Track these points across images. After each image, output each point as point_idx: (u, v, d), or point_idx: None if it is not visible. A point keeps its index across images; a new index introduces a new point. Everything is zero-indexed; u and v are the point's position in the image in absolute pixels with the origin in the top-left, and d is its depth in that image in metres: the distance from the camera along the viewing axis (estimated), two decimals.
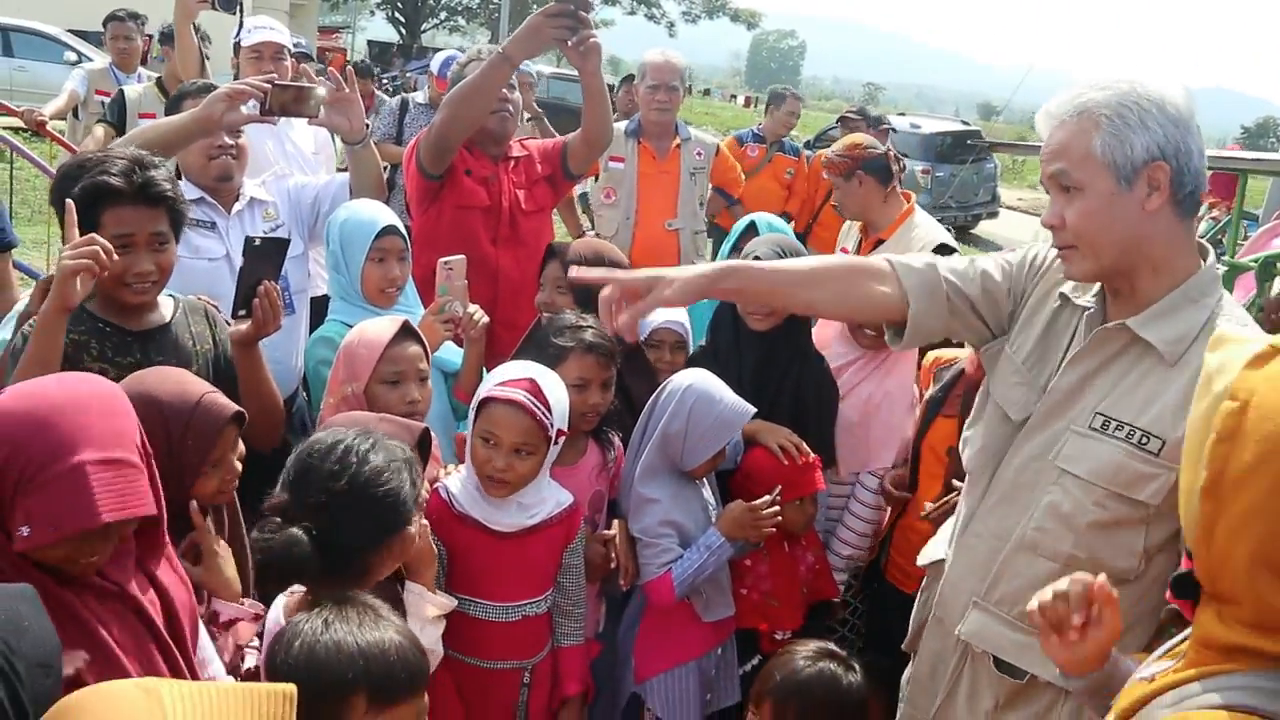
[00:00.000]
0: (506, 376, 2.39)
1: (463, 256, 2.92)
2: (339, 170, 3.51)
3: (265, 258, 2.49)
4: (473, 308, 2.91)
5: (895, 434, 3.23)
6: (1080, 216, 1.83)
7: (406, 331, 2.59)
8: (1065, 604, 1.49)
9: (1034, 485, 1.97)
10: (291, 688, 1.12)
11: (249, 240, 2.48)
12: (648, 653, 2.75)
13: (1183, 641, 1.34)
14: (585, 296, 2.91)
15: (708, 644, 2.79)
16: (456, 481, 2.45)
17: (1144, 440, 1.83)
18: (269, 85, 2.87)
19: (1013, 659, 2.00)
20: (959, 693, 2.11)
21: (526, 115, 5.95)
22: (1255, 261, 5.30)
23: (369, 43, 38.41)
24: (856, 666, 2.26)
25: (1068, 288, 2.04)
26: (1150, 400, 1.85)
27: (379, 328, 2.58)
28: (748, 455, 2.92)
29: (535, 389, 2.34)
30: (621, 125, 4.89)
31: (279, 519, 1.78)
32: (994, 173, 17.72)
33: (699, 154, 4.90)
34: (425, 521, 2.11)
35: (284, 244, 2.53)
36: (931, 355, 3.12)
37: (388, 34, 41.95)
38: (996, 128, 35.51)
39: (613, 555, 2.72)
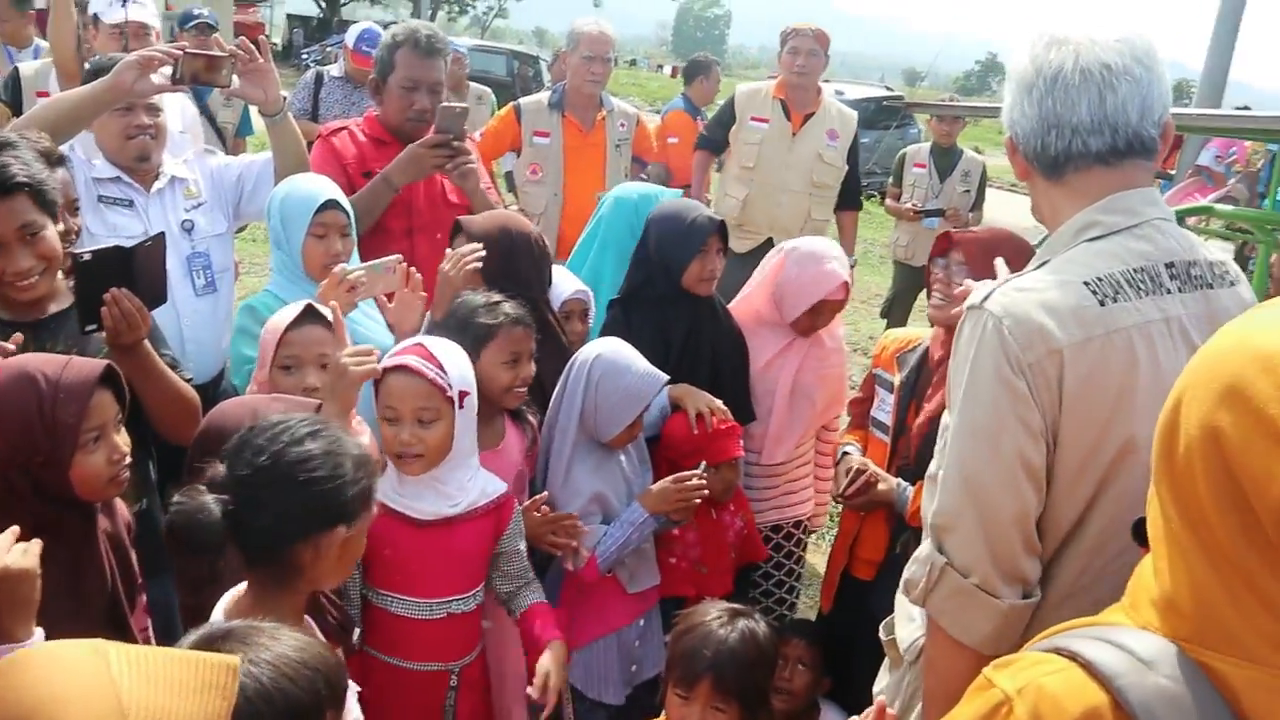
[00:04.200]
0: (395, 349, 2.37)
1: (398, 257, 2.84)
2: (205, 149, 3.43)
3: (101, 272, 2.19)
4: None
5: (840, 384, 3.33)
6: None
7: (309, 314, 2.43)
8: None
9: None
10: (235, 660, 1.13)
11: (75, 257, 2.21)
12: (567, 628, 2.68)
13: None
14: (495, 273, 2.85)
15: (629, 615, 2.79)
16: None
17: None
18: (180, 52, 2.81)
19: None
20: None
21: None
22: None
23: (289, 17, 37.60)
24: (757, 614, 2.35)
25: None
26: None
27: (284, 313, 2.45)
28: (667, 422, 2.94)
29: (425, 352, 2.29)
30: (544, 97, 4.88)
31: (204, 487, 1.67)
32: (918, 137, 17.93)
33: (622, 125, 4.90)
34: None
35: (124, 252, 2.25)
36: (891, 338, 3.07)
37: (308, 8, 41.05)
38: (921, 93, 35.89)
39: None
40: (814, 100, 5.31)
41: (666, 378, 2.74)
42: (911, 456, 2.71)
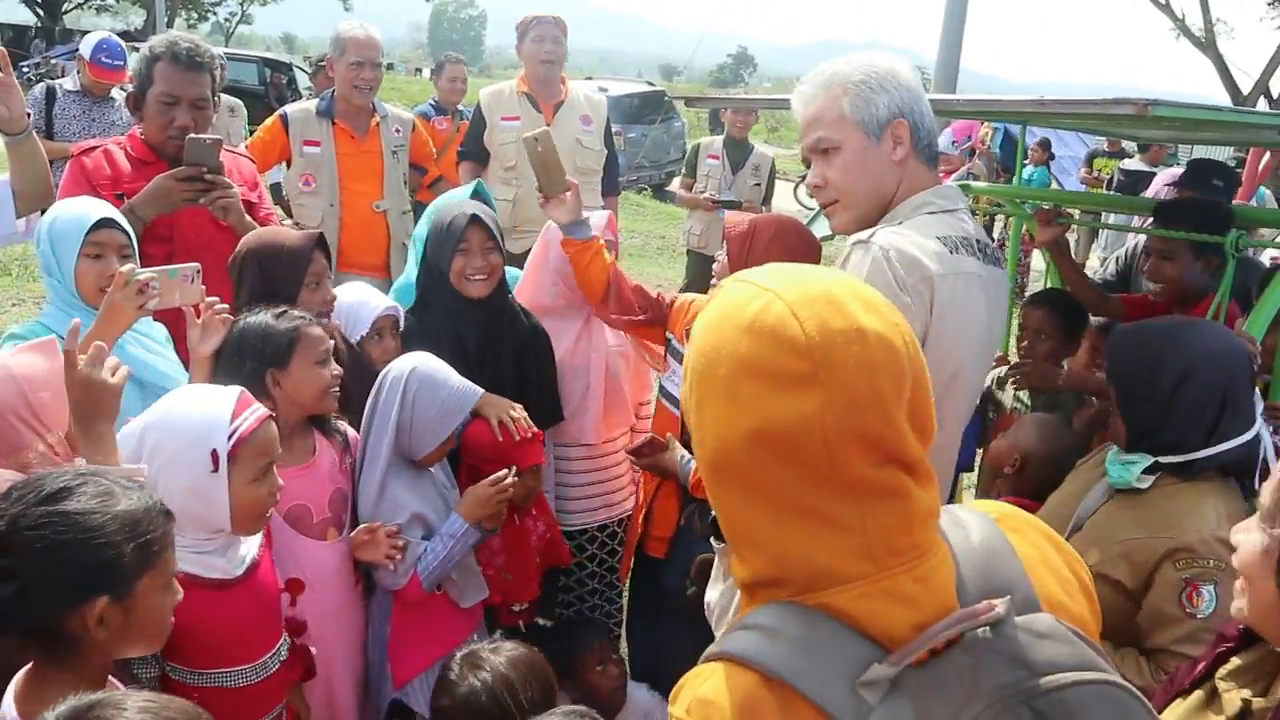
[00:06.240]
0: (232, 403, 2.09)
1: (196, 266, 2.56)
2: None
3: None
4: (215, 300, 2.55)
5: (637, 361, 3.36)
6: (839, 172, 2.06)
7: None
8: None
9: None
10: None
11: None
12: (403, 654, 2.62)
13: None
14: (257, 294, 2.68)
15: (464, 631, 2.71)
16: None
17: None
18: None
19: None
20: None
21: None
22: None
23: (0, 26, 34.51)
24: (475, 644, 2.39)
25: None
26: None
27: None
28: (467, 430, 2.86)
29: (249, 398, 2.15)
30: (311, 105, 4.67)
31: None
32: (682, 130, 18.43)
33: (397, 131, 4.74)
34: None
35: None
36: (688, 301, 3.06)
37: (23, 16, 37.77)
38: (679, 87, 36.96)
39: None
40: (561, 90, 5.17)
41: (481, 391, 2.68)
42: None
